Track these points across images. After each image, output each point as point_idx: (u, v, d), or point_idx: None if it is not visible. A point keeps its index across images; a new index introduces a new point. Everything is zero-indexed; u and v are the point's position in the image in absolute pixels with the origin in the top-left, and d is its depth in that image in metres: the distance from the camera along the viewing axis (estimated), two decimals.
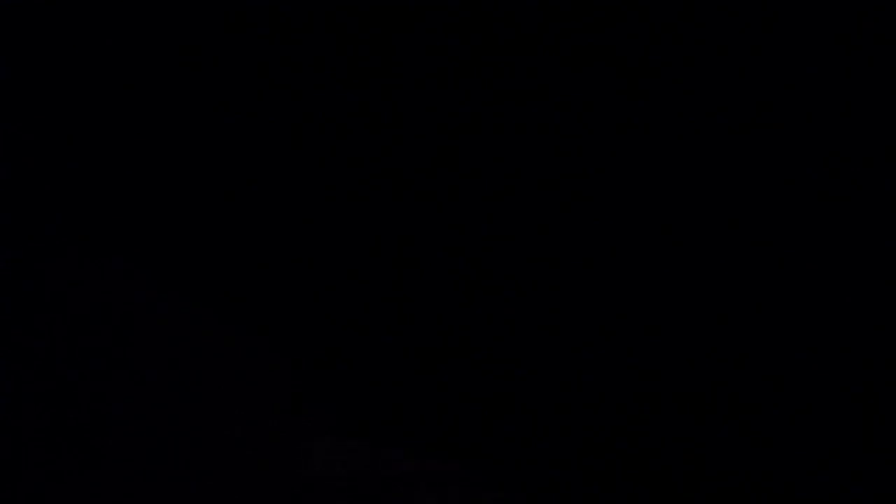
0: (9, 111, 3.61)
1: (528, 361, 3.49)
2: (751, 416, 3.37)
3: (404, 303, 3.56)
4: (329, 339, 3.57)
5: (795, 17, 3.40)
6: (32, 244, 3.57)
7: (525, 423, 3.45)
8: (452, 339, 3.54)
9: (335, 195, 3.60)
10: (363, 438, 3.53)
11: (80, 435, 3.41)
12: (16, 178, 3.59)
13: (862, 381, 3.34)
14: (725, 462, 3.36)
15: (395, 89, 3.57)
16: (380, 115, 3.59)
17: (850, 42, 3.39)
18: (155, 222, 3.59)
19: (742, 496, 3.35)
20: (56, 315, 3.53)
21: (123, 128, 3.61)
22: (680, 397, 3.40)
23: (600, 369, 3.48)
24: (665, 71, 3.48)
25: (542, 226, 3.54)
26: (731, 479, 3.36)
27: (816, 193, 3.44)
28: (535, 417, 3.44)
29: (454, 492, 3.44)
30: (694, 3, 3.44)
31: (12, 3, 3.57)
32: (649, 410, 3.43)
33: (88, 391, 3.47)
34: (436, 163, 3.58)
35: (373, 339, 3.55)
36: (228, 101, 3.60)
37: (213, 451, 3.47)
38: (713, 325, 3.44)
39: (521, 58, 3.53)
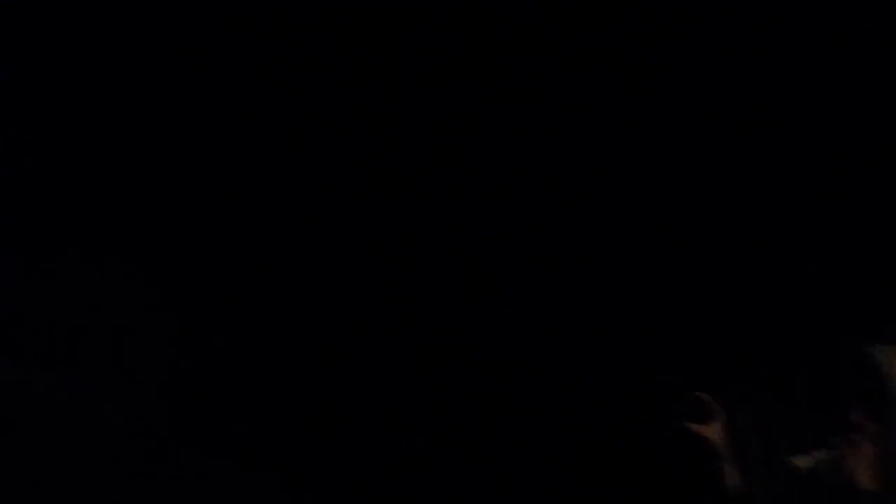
0: (9, 111, 3.60)
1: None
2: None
3: (405, 302, 3.56)
4: (331, 337, 3.58)
5: (795, 18, 3.40)
6: (32, 244, 3.57)
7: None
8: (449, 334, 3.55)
9: (331, 195, 3.60)
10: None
11: (80, 435, 3.42)
12: (16, 178, 3.59)
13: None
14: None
15: (395, 89, 3.57)
16: (378, 115, 3.58)
17: (850, 42, 3.39)
18: (155, 222, 3.59)
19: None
20: (56, 315, 3.52)
21: (123, 128, 3.61)
22: (680, 397, 3.40)
23: (598, 366, 3.49)
24: (665, 71, 3.48)
25: (542, 226, 3.54)
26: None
27: (817, 193, 3.44)
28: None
29: None
30: (694, 3, 3.44)
31: (12, 3, 3.57)
32: (649, 410, 3.43)
33: (88, 391, 3.47)
34: (435, 159, 3.58)
35: (375, 337, 3.55)
36: (228, 101, 3.59)
37: (214, 451, 3.47)
38: (713, 324, 3.44)
39: (520, 58, 3.53)
